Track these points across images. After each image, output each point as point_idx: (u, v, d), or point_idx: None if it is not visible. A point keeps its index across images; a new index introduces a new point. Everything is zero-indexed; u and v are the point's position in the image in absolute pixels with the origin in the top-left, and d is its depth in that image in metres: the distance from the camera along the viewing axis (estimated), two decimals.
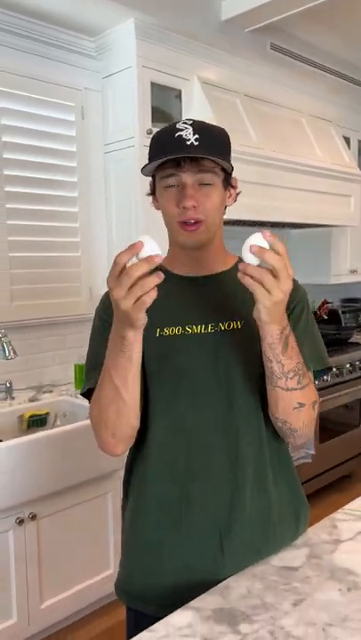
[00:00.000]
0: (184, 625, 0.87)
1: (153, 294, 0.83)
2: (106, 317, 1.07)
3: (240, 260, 1.13)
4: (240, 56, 2.82)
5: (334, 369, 3.07)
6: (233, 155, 2.83)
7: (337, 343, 3.40)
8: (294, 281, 1.13)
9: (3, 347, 2.08)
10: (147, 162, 1.03)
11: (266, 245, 0.86)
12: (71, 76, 2.48)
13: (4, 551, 1.88)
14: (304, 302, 1.13)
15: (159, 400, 1.05)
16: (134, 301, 0.83)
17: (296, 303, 1.10)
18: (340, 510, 1.24)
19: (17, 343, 2.33)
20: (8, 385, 2.30)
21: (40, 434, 1.97)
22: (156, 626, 0.88)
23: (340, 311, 3.82)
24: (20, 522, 1.89)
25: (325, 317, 3.73)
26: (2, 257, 2.31)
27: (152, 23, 2.38)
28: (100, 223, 2.63)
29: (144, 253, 0.83)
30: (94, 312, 1.14)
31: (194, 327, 1.05)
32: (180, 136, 0.98)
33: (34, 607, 1.96)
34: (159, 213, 1.09)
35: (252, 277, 0.86)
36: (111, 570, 2.16)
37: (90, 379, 1.07)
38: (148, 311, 0.98)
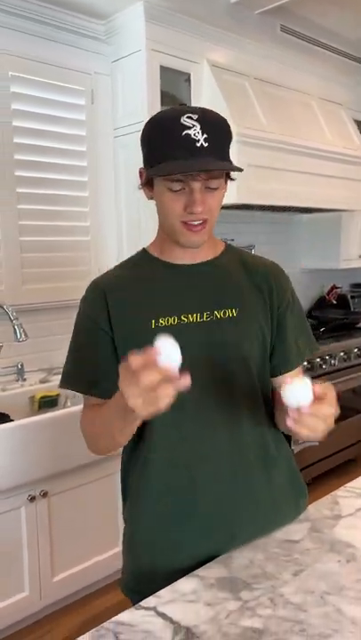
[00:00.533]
0: (189, 591, 0.91)
1: (166, 402, 0.79)
2: (95, 317, 1.06)
3: (228, 245, 1.16)
4: (250, 38, 2.81)
5: (342, 353, 3.09)
6: (242, 138, 2.83)
7: (345, 328, 3.41)
8: (276, 265, 1.17)
9: (14, 329, 2.12)
10: (150, 151, 0.98)
11: (309, 389, 0.84)
12: (81, 59, 2.49)
13: (16, 527, 1.94)
14: (291, 290, 1.16)
15: None
16: (144, 402, 0.79)
17: (288, 296, 1.13)
18: (341, 488, 1.27)
19: (28, 326, 2.37)
20: (20, 367, 2.35)
21: (51, 414, 2.02)
22: (162, 592, 0.92)
23: (349, 296, 3.82)
24: (32, 499, 1.95)
25: (334, 302, 3.74)
26: (13, 241, 2.34)
27: (161, 5, 2.37)
28: (109, 207, 2.65)
29: (161, 361, 0.76)
30: (80, 303, 1.11)
31: (190, 316, 1.04)
32: (188, 135, 0.93)
33: (45, 581, 2.02)
34: None
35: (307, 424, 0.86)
36: (120, 547, 2.22)
37: (69, 378, 1.09)
38: (140, 301, 1.02)
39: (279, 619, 0.84)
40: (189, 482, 1.04)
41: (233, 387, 1.06)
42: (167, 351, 0.77)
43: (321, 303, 3.77)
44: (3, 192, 2.30)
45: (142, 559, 1.09)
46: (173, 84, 2.58)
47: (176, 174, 0.95)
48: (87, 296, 1.11)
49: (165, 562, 1.05)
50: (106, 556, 2.19)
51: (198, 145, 0.93)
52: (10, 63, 2.26)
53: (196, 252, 1.08)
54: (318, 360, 2.94)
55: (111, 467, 2.16)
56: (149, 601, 0.89)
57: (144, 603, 0.89)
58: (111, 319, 1.06)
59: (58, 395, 2.32)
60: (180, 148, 0.93)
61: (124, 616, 0.86)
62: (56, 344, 2.54)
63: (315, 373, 2.92)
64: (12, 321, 2.11)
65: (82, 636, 0.81)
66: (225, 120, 1.00)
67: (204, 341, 1.04)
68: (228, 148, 1.00)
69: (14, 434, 1.88)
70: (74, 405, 2.21)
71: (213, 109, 1.01)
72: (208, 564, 0.98)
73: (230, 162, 0.99)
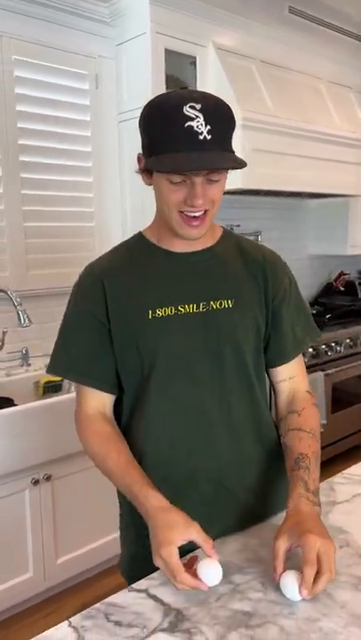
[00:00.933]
0: None
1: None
2: (91, 307, 1.04)
3: (225, 231, 1.14)
4: (257, 20, 2.76)
5: (348, 340, 3.08)
6: (247, 123, 2.79)
7: (353, 314, 3.38)
8: (273, 254, 1.16)
9: (18, 314, 2.13)
10: (151, 140, 0.94)
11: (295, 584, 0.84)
12: (85, 43, 2.46)
13: (20, 509, 1.97)
14: (290, 277, 1.15)
15: (155, 383, 1.04)
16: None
17: (284, 286, 1.11)
18: (339, 474, 1.27)
19: (33, 312, 2.38)
20: (24, 352, 2.36)
21: (55, 398, 2.03)
22: (155, 574, 0.93)
23: (356, 282, 3.79)
24: (36, 482, 1.97)
25: (342, 289, 3.72)
26: (17, 226, 2.35)
27: None
28: (113, 193, 2.64)
29: (200, 576, 0.85)
30: (74, 287, 1.09)
31: (186, 306, 1.03)
32: (192, 127, 0.89)
33: (49, 563, 2.06)
34: None
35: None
36: None
37: (62, 365, 1.09)
38: (137, 290, 1.02)
39: (269, 602, 0.85)
40: (185, 471, 1.05)
41: (227, 378, 1.06)
42: (210, 579, 0.86)
43: (328, 290, 3.74)
44: (6, 177, 2.30)
45: (137, 544, 1.11)
46: (179, 67, 2.55)
47: (178, 173, 0.92)
48: (83, 283, 1.08)
49: None
50: (109, 538, 2.21)
51: (201, 138, 0.90)
52: (13, 47, 2.25)
53: (194, 242, 1.06)
54: (324, 347, 2.93)
55: None
56: (142, 583, 0.90)
57: (136, 585, 0.90)
58: (109, 310, 1.04)
59: (62, 380, 2.33)
60: (183, 140, 0.90)
61: (115, 597, 0.87)
62: None
63: (320, 360, 2.91)
64: (15, 306, 2.12)
65: (73, 617, 0.83)
66: (227, 106, 0.96)
67: (199, 332, 1.04)
68: (231, 136, 0.97)
69: (18, 418, 1.90)
70: None
71: (219, 93, 0.98)
72: (199, 550, 0.99)
73: (233, 152, 0.96)
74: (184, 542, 0.86)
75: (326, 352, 2.94)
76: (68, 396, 2.08)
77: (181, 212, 0.97)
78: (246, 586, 0.89)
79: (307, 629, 0.79)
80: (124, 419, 1.11)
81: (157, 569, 0.90)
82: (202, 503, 1.06)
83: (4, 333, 2.27)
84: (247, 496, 1.09)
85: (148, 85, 2.41)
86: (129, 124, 2.55)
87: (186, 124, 0.89)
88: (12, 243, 2.34)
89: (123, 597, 0.87)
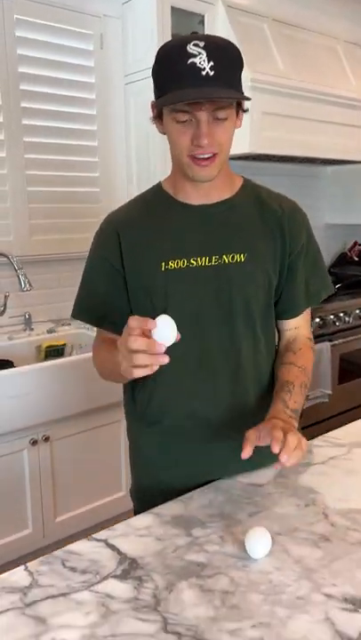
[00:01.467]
0: (142, 527, 0.93)
1: (138, 373, 0.85)
2: (107, 255, 1.10)
3: (245, 181, 1.15)
4: None
5: (358, 311, 3.02)
6: (257, 85, 2.72)
7: None
8: (293, 205, 1.15)
9: (18, 279, 2.14)
10: (158, 81, 0.97)
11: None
12: (90, 1, 2.40)
13: (19, 469, 2.01)
14: (308, 230, 1.16)
15: None
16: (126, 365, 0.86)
17: (302, 239, 1.12)
18: (319, 437, 1.26)
19: (37, 277, 2.40)
20: (27, 317, 2.38)
21: (54, 361, 2.05)
22: (117, 526, 0.94)
23: None
24: (34, 442, 2.01)
25: (356, 259, 3.64)
26: (20, 191, 2.35)
27: None
28: (119, 158, 2.61)
29: (153, 334, 0.84)
30: (94, 236, 1.14)
31: (198, 259, 1.05)
32: (194, 64, 0.90)
33: (48, 521, 2.11)
34: None
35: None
36: (123, 492, 2.29)
37: (81, 310, 1.16)
38: (151, 242, 1.05)
39: (224, 555, 0.85)
40: (187, 413, 1.09)
41: (235, 330, 1.08)
42: (163, 330, 0.84)
43: (342, 260, 3.66)
44: (9, 141, 2.28)
45: (144, 477, 1.18)
46: (187, 26, 2.47)
47: (177, 103, 0.92)
48: (101, 232, 1.14)
49: (165, 479, 1.11)
50: (108, 499, 2.26)
51: (204, 73, 0.91)
52: (14, 6, 2.21)
53: (210, 191, 1.07)
54: (332, 317, 2.88)
55: (114, 415, 2.20)
56: (102, 534, 0.92)
57: (96, 535, 0.91)
58: (123, 259, 1.08)
59: (64, 344, 2.35)
60: (186, 76, 0.91)
61: (75, 546, 0.89)
62: (65, 296, 2.56)
63: (328, 330, 2.87)
64: (16, 270, 2.14)
65: (31, 562, 0.85)
66: (233, 45, 0.96)
67: (209, 286, 1.06)
68: (239, 75, 0.98)
69: (16, 379, 1.93)
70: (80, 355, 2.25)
71: None
72: (165, 504, 1.00)
73: (240, 90, 0.97)
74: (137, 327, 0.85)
75: (334, 322, 2.89)
76: (67, 359, 2.10)
77: (191, 155, 0.98)
78: (205, 539, 0.89)
79: (257, 581, 0.79)
80: None
81: (159, 499, 0.96)
82: (201, 447, 1.10)
83: (5, 297, 2.29)
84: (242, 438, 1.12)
85: (153, 45, 2.35)
86: (135, 86, 2.50)
87: (189, 61, 0.91)
88: (14, 207, 2.34)
89: (82, 546, 0.89)
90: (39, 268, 2.44)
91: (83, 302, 1.16)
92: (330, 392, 2.82)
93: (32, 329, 2.40)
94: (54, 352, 2.32)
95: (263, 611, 0.73)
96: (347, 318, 2.94)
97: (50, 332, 2.40)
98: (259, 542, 0.83)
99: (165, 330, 0.84)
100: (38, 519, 2.08)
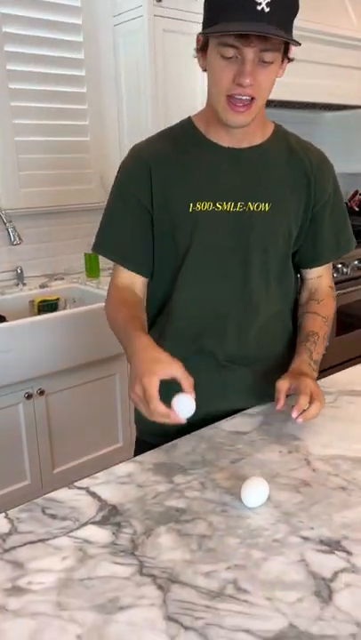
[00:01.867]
0: (124, 474, 0.93)
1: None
2: (136, 191, 1.08)
3: (277, 127, 1.14)
4: None
5: (356, 262, 2.97)
6: None
7: None
8: (321, 155, 1.15)
9: (8, 232, 2.11)
10: (208, 11, 0.93)
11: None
12: None
13: (15, 422, 2.03)
14: (334, 182, 1.16)
15: (186, 272, 1.10)
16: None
17: (328, 190, 1.13)
18: None
19: (28, 231, 2.36)
20: (19, 271, 2.36)
21: (48, 315, 2.04)
22: (99, 474, 0.94)
23: None
24: (29, 396, 2.02)
25: (356, 209, 3.56)
26: (7, 142, 2.28)
27: None
28: (110, 105, 2.51)
29: (175, 411, 0.88)
30: (120, 169, 1.12)
31: (224, 204, 1.05)
32: None
33: (46, 472, 2.14)
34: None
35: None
36: (120, 444, 2.32)
37: (103, 245, 1.14)
38: (181, 181, 1.06)
39: (204, 500, 0.85)
40: (202, 349, 1.13)
41: (250, 276, 1.10)
42: (182, 411, 0.88)
43: None
44: None
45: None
46: None
47: (228, 33, 0.88)
48: (130, 166, 1.10)
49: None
50: (105, 451, 2.29)
51: (259, 8, 0.86)
52: None
53: (242, 135, 1.06)
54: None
55: (110, 369, 2.21)
56: (83, 482, 0.92)
57: (78, 483, 0.92)
58: (153, 197, 1.07)
59: (57, 299, 2.33)
60: (239, 8, 0.87)
61: (56, 494, 0.89)
62: (58, 250, 2.53)
63: None
64: (4, 224, 2.10)
65: (12, 509, 0.85)
66: None
67: (230, 232, 1.07)
68: (292, 19, 0.93)
69: (9, 334, 1.92)
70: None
71: None
72: (148, 452, 1.00)
73: (291, 35, 0.92)
74: (166, 377, 0.88)
75: (333, 274, 2.85)
76: (61, 313, 2.08)
77: (229, 96, 0.95)
78: (186, 486, 0.89)
79: (235, 525, 0.79)
80: (152, 308, 1.19)
81: (160, 426, 0.94)
82: (213, 381, 1.14)
83: None
84: (254, 377, 1.17)
85: None
86: (126, 27, 2.38)
87: None
88: (2, 158, 2.28)
89: (63, 494, 0.89)
90: (31, 222, 2.40)
91: (107, 237, 1.14)
92: (327, 344, 2.81)
93: (24, 284, 2.38)
94: (48, 307, 2.30)
95: (239, 553, 0.73)
96: (345, 269, 2.90)
97: (43, 286, 2.38)
98: (255, 491, 0.82)
99: (183, 405, 0.88)
100: (36, 471, 2.12)
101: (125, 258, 1.13)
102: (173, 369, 0.89)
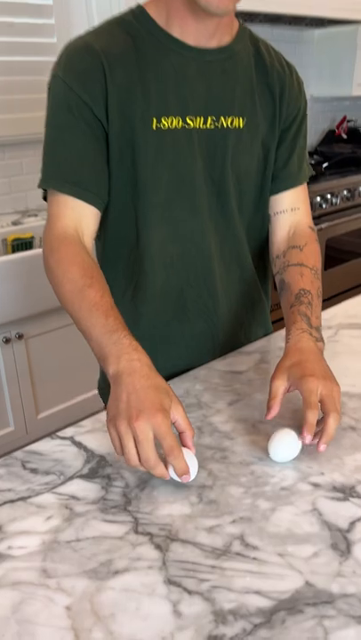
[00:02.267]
0: None
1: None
2: (87, 97, 0.82)
3: (241, 26, 0.94)
4: None
5: (346, 192, 2.84)
6: None
7: (354, 163, 3.10)
8: (292, 67, 0.99)
9: None
10: None
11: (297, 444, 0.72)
12: None
13: None
14: (305, 97, 1.01)
15: (154, 207, 0.91)
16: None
17: (302, 116, 1.00)
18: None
19: None
20: None
21: (22, 254, 1.90)
22: (85, 422, 0.86)
23: None
24: (7, 341, 1.91)
25: (344, 137, 3.39)
26: None
27: None
28: (79, 20, 2.27)
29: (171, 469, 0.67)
30: (58, 70, 0.84)
31: (195, 119, 0.88)
32: None
33: (30, 418, 2.07)
34: None
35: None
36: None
37: (49, 176, 0.87)
38: (141, 89, 0.85)
39: (202, 446, 0.77)
40: (179, 301, 0.99)
41: (225, 209, 0.96)
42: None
43: (330, 138, 3.41)
44: None
45: None
46: None
47: None
48: (74, 61, 0.83)
49: (164, 357, 0.97)
50: (90, 394, 2.22)
51: None
52: None
53: (214, 29, 0.86)
54: (318, 199, 2.71)
55: None
56: (67, 431, 0.83)
57: (61, 433, 0.83)
58: (108, 105, 0.84)
59: (32, 237, 2.18)
60: None
61: (37, 445, 0.81)
62: (29, 184, 2.35)
63: (314, 213, 2.71)
64: None
65: None
66: None
67: (203, 153, 0.91)
68: None
69: None
70: None
71: None
72: None
73: None
74: (172, 420, 0.69)
75: (321, 205, 2.72)
76: (37, 251, 1.94)
77: None
78: None
79: (237, 473, 0.72)
80: (107, 250, 0.99)
81: None
82: (192, 337, 1.02)
83: None
84: (231, 327, 1.05)
85: None
86: None
87: None
88: None
89: (45, 445, 0.81)
90: None
91: (52, 164, 0.87)
92: None
93: None
94: (21, 245, 2.16)
95: (244, 504, 0.66)
96: (334, 200, 2.77)
97: (15, 223, 2.22)
98: (286, 445, 0.72)
99: (190, 467, 0.67)
100: (20, 416, 2.04)
101: (75, 185, 0.85)
102: (178, 412, 0.69)
